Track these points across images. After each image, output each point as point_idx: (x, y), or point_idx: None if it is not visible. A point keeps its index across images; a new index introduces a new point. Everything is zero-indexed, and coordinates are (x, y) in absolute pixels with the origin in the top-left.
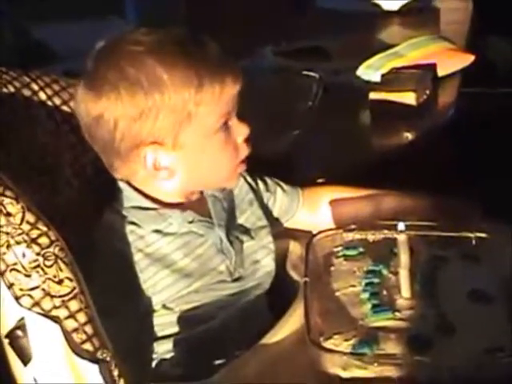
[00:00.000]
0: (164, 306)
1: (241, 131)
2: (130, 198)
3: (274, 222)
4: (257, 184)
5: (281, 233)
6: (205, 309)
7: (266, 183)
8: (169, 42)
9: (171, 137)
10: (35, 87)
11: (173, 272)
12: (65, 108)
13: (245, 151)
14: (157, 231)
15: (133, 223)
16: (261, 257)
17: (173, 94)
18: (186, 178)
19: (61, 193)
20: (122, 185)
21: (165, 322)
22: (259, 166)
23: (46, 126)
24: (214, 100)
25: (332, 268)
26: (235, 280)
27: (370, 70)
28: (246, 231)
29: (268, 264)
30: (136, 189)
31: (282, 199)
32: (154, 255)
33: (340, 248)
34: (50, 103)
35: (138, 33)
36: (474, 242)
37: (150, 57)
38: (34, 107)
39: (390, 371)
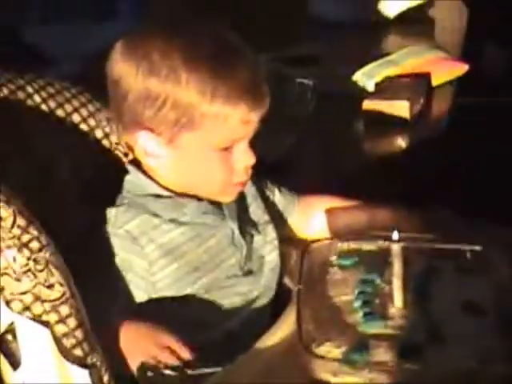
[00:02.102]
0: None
1: (244, 159)
2: (142, 185)
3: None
4: (257, 180)
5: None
6: (210, 315)
7: (265, 182)
8: (204, 45)
9: (169, 132)
10: (30, 90)
11: (184, 264)
12: (59, 111)
13: (241, 177)
14: (173, 220)
15: (149, 212)
16: (266, 252)
17: (184, 93)
18: (177, 178)
19: (56, 194)
20: (133, 172)
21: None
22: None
23: (40, 128)
24: (220, 121)
25: (327, 277)
26: (245, 274)
27: (365, 78)
28: (254, 225)
29: (273, 260)
30: (146, 174)
31: (279, 199)
32: (167, 246)
33: (335, 257)
34: (44, 106)
35: (182, 25)
36: (468, 255)
37: (179, 54)
38: (29, 110)
39: (381, 379)
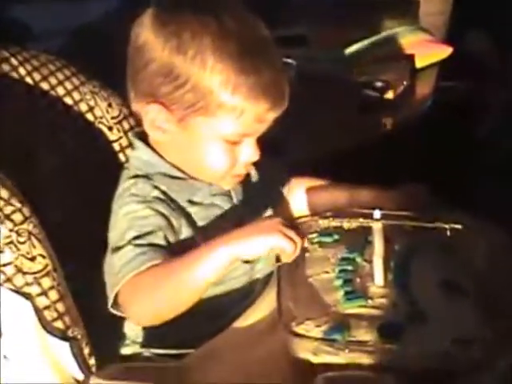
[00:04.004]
0: None
1: (248, 155)
2: (152, 163)
3: None
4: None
5: None
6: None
7: (269, 162)
8: (235, 35)
9: (182, 112)
10: (15, 62)
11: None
12: (44, 84)
13: (241, 170)
14: (187, 200)
15: (164, 192)
16: None
17: (207, 79)
18: (178, 157)
19: (37, 169)
20: (141, 148)
21: None
22: None
23: (24, 100)
24: (235, 114)
25: (307, 254)
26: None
27: (350, 60)
28: (257, 208)
29: None
30: (154, 151)
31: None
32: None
33: (315, 235)
34: (29, 79)
35: (222, 10)
36: (448, 233)
37: (209, 39)
38: (12, 82)
39: (361, 358)
